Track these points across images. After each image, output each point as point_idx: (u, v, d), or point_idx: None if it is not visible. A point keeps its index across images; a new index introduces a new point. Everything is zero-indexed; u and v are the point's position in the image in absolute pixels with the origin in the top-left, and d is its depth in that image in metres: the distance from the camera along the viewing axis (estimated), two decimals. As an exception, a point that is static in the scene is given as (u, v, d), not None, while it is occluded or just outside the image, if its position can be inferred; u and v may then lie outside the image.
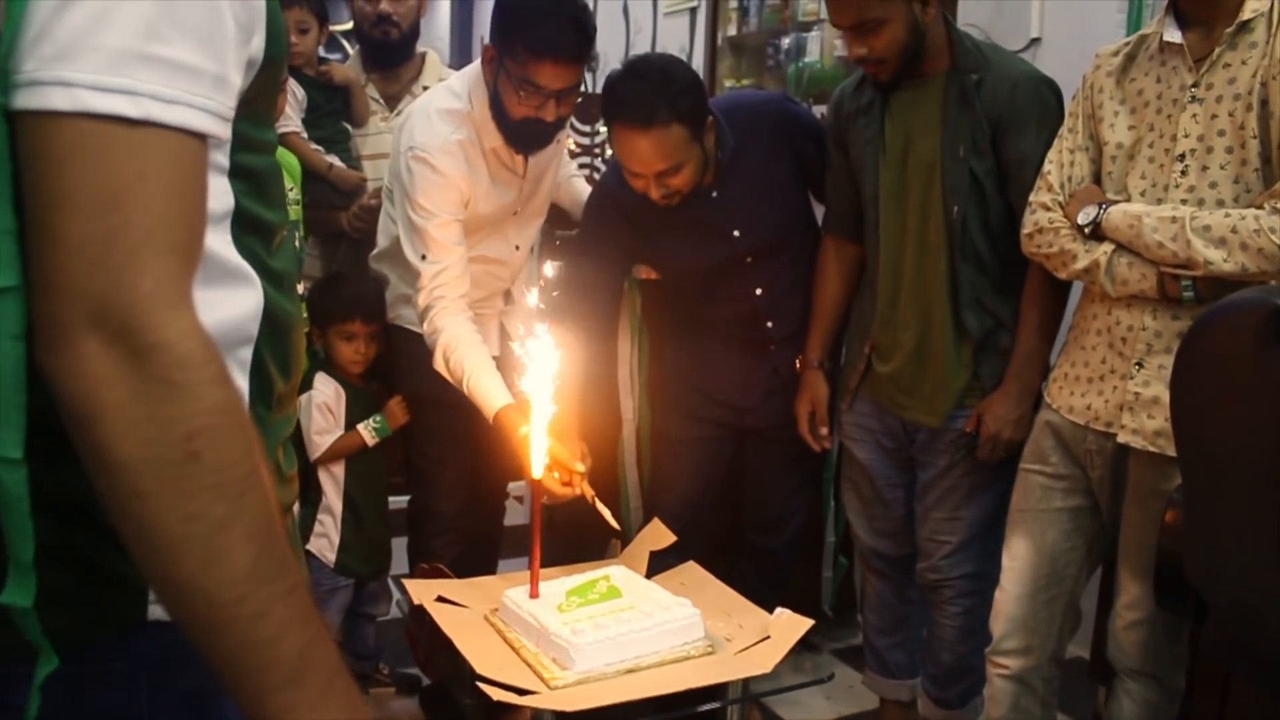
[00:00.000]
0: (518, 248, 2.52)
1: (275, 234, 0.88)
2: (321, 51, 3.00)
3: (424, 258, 2.20)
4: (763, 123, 2.30)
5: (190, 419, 0.66)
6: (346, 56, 3.10)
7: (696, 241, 2.33)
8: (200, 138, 0.71)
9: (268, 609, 0.69)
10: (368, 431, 2.53)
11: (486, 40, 2.26)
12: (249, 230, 0.84)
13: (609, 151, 3.88)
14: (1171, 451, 1.77)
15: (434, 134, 2.22)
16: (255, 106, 0.83)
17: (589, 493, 2.01)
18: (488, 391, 2.11)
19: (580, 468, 2.03)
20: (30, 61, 0.65)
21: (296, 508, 2.46)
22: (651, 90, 2.07)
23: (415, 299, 2.23)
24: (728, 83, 5.00)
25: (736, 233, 2.32)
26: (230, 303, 0.81)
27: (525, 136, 2.23)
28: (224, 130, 0.74)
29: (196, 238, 0.71)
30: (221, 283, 0.80)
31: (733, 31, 5.03)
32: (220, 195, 0.80)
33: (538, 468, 1.86)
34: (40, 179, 0.66)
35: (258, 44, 0.79)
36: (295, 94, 2.83)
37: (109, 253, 0.65)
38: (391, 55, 2.96)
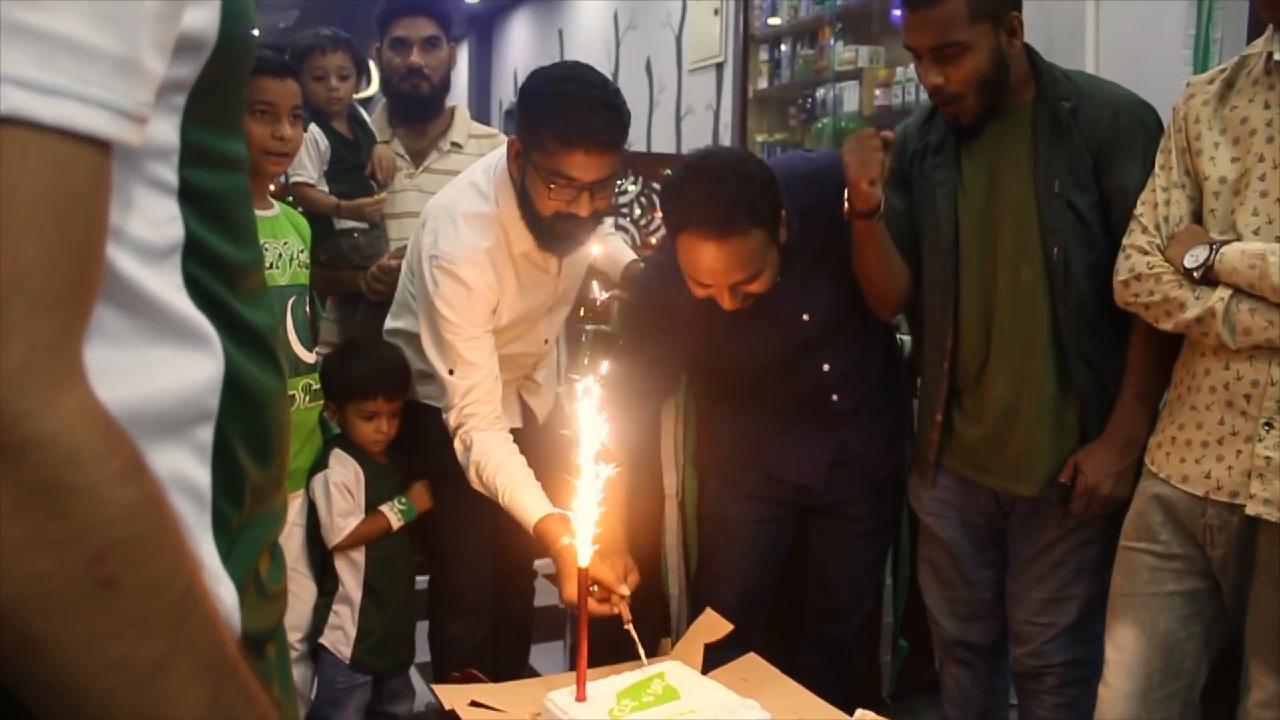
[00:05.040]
0: (546, 341, 2.41)
1: (244, 278, 0.69)
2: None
3: (451, 372, 2.09)
4: (823, 193, 2.08)
5: (95, 534, 0.48)
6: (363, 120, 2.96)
7: (763, 332, 2.12)
8: (99, 145, 0.51)
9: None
10: (393, 514, 2.33)
11: (504, 107, 2.11)
12: (206, 270, 0.64)
13: (638, 210, 3.72)
14: (1314, 524, 1.55)
15: (459, 242, 2.08)
16: (214, 106, 0.64)
17: (626, 616, 1.87)
18: (526, 504, 2.01)
19: (625, 590, 1.90)
20: None
21: (310, 613, 2.30)
22: (727, 196, 1.86)
23: (445, 417, 2.13)
24: (759, 137, 4.88)
25: (806, 316, 2.13)
26: (179, 367, 0.61)
27: (557, 235, 2.07)
28: (136, 135, 0.54)
29: (89, 281, 0.51)
30: (167, 339, 0.60)
31: (763, 85, 4.92)
32: (165, 222, 0.61)
33: (585, 557, 1.66)
34: None
35: (201, 19, 0.59)
36: (318, 143, 2.68)
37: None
38: (421, 109, 2.83)
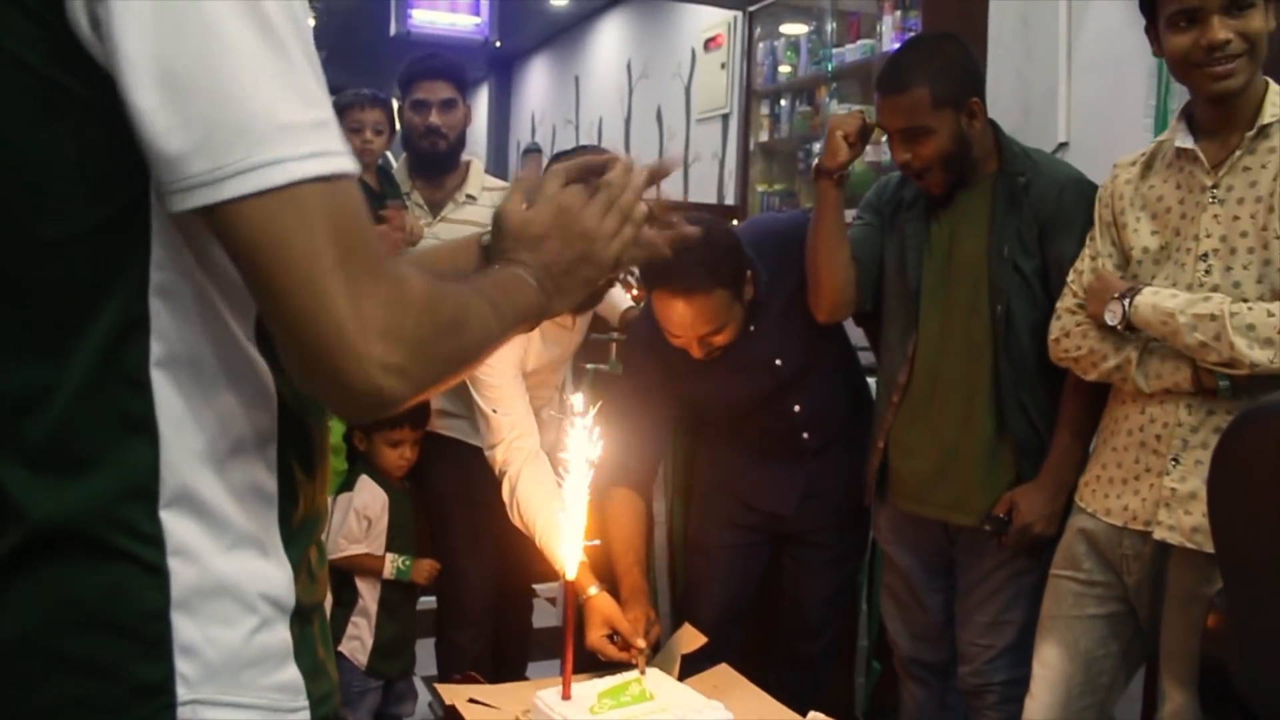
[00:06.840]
0: (557, 387, 2.63)
1: None
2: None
3: (495, 411, 2.28)
4: (792, 249, 2.31)
5: (448, 329, 0.83)
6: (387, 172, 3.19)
7: (739, 377, 2.33)
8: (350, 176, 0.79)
9: (504, 297, 0.93)
10: (391, 567, 2.53)
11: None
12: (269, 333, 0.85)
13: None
14: (1210, 548, 1.74)
15: None
16: None
17: (642, 669, 1.98)
18: (559, 550, 2.12)
19: (641, 644, 2.02)
20: (235, 152, 0.71)
21: (329, 604, 2.51)
22: (692, 258, 2.01)
23: (490, 454, 2.30)
24: (760, 187, 5.11)
25: (779, 361, 2.33)
26: (257, 404, 0.83)
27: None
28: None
29: (375, 241, 0.80)
30: (246, 381, 0.82)
31: (764, 137, 5.15)
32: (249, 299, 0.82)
33: (572, 570, 1.86)
34: (273, 253, 0.73)
35: None
36: None
37: (366, 280, 0.75)
38: (438, 164, 3.04)
